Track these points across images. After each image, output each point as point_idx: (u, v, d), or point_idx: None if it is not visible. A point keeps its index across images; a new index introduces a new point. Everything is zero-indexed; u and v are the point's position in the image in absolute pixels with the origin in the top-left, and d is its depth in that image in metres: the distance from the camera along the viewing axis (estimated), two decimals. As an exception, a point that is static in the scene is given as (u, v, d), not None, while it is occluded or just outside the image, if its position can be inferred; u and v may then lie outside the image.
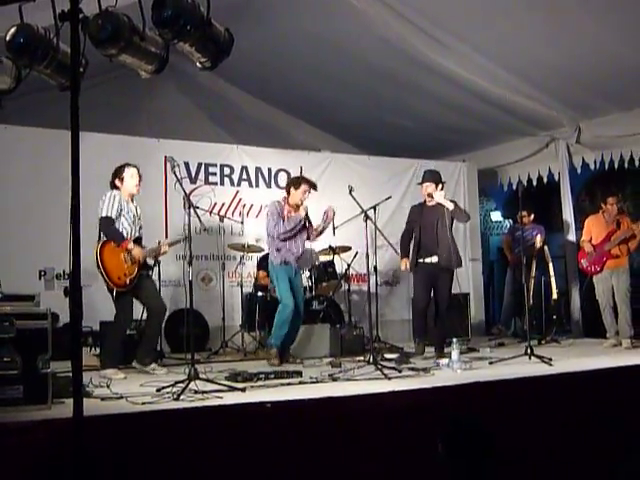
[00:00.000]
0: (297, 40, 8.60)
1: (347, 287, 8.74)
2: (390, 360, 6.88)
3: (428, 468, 4.78)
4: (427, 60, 8.50)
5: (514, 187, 11.15)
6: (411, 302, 8.51)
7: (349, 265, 8.62)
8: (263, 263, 8.63)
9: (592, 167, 10.31)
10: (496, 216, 13.74)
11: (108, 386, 5.66)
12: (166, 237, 8.53)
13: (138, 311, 7.03)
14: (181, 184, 5.93)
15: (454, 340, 6.38)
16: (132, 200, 6.76)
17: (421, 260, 7.62)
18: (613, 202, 8.52)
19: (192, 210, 5.78)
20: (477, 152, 11.18)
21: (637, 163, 9.71)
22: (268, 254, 8.62)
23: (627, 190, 13.12)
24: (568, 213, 10.25)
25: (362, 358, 7.10)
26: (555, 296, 8.79)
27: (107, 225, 6.56)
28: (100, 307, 7.37)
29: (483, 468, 3.23)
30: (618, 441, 5.39)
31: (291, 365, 7.02)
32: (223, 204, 9.08)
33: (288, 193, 7.40)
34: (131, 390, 5.42)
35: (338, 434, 4.72)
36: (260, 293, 8.45)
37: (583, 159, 10.30)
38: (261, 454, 4.46)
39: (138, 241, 6.76)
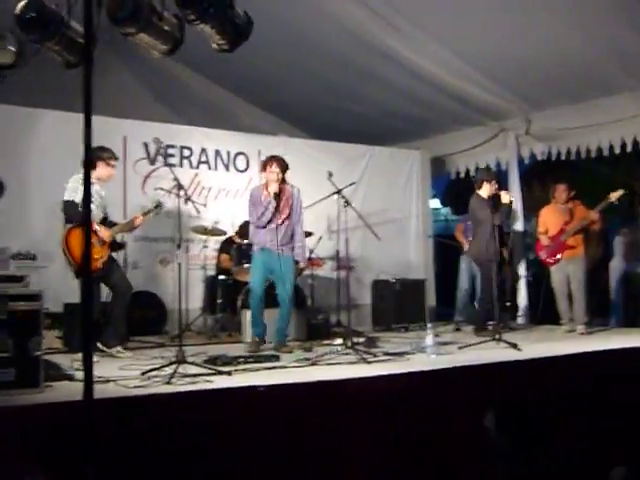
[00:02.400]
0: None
1: (310, 272, 8.76)
2: (358, 344, 6.93)
3: (419, 449, 4.95)
4: (382, 46, 8.58)
5: (462, 175, 11.35)
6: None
7: (311, 251, 8.66)
8: (226, 246, 8.60)
9: (539, 158, 10.56)
10: (434, 203, 13.96)
11: (87, 369, 5.58)
12: (124, 218, 8.42)
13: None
14: (169, 166, 5.89)
15: (428, 326, 6.50)
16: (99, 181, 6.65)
17: None
18: (563, 189, 8.69)
19: (184, 195, 5.76)
20: (427, 140, 11.30)
21: (583, 155, 10.00)
22: (231, 237, 8.64)
23: (562, 180, 13.55)
24: (516, 203, 10.48)
25: (330, 342, 7.24)
26: (509, 284, 9.01)
27: (70, 208, 6.42)
28: (59, 288, 7.25)
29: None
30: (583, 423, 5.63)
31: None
32: (182, 186, 8.94)
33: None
34: (112, 374, 5.34)
35: (330, 417, 4.78)
36: (221, 276, 8.41)
37: (531, 150, 10.54)
38: (256, 437, 4.49)
39: (104, 221, 6.66)
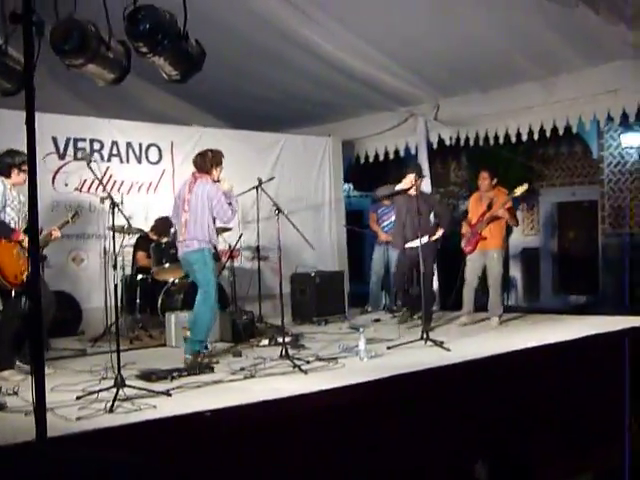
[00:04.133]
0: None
1: (232, 269, 8.64)
2: (286, 344, 6.87)
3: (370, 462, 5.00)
4: (294, 34, 8.46)
5: (370, 159, 11.41)
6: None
7: (232, 247, 8.55)
8: (142, 244, 8.36)
9: (447, 143, 10.74)
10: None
11: (16, 393, 5.36)
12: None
13: None
14: (101, 182, 5.68)
15: (360, 329, 6.54)
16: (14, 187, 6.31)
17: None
18: (485, 177, 8.61)
19: (116, 209, 5.53)
20: (337, 123, 11.26)
21: (492, 141, 10.23)
22: (146, 234, 8.38)
23: (462, 161, 13.90)
24: (425, 187, 10.63)
25: (257, 342, 7.40)
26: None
27: None
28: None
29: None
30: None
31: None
32: (93, 181, 8.59)
33: (209, 173, 6.73)
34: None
35: (278, 437, 4.78)
36: (140, 275, 8.19)
37: (439, 135, 10.69)
38: (207, 464, 4.44)
39: (27, 230, 6.33)
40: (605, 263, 12.42)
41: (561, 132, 9.53)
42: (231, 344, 7.49)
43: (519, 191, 8.30)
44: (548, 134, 9.64)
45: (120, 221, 8.04)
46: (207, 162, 6.74)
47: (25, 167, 6.15)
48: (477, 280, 8.61)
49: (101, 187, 8.45)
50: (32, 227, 2.95)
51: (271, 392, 5.16)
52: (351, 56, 8.98)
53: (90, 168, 5.59)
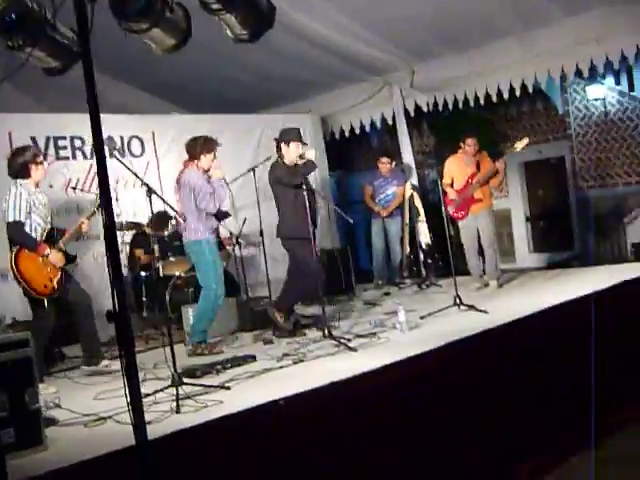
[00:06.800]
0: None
1: (239, 255, 8.29)
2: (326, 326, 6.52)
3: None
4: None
5: (346, 134, 11.14)
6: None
7: (236, 235, 8.23)
8: (140, 240, 7.96)
9: (425, 109, 10.49)
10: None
11: (59, 405, 5.00)
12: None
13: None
14: (129, 168, 5.26)
15: (398, 302, 6.35)
16: (37, 187, 5.93)
17: None
18: (472, 143, 8.38)
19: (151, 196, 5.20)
20: (310, 100, 10.93)
21: (472, 103, 10.00)
22: (144, 231, 7.98)
23: (423, 129, 13.68)
24: (408, 157, 10.45)
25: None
26: (428, 241, 8.92)
27: (16, 231, 5.71)
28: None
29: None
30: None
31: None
32: (78, 179, 8.13)
33: (196, 159, 6.55)
34: (90, 406, 4.85)
35: (352, 419, 4.58)
36: (144, 273, 7.79)
37: (416, 102, 10.43)
38: (285, 452, 4.23)
39: (52, 232, 5.97)
40: (579, 219, 12.41)
41: (543, 86, 9.40)
42: (255, 332, 7.23)
43: (520, 146, 8.08)
44: (530, 89, 9.46)
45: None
46: (197, 148, 6.60)
47: (39, 159, 5.86)
48: (477, 243, 8.41)
49: (87, 184, 8.17)
50: (110, 234, 2.64)
51: (330, 374, 4.92)
52: (319, 24, 8.53)
53: (116, 157, 5.18)
